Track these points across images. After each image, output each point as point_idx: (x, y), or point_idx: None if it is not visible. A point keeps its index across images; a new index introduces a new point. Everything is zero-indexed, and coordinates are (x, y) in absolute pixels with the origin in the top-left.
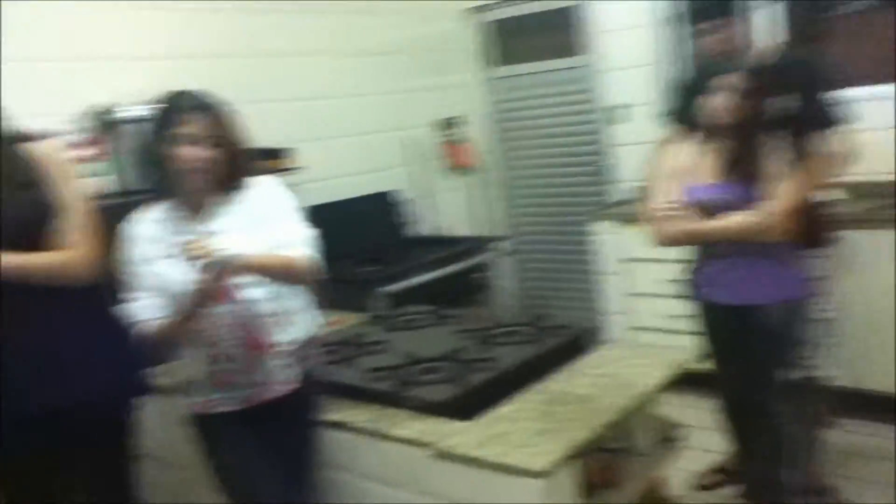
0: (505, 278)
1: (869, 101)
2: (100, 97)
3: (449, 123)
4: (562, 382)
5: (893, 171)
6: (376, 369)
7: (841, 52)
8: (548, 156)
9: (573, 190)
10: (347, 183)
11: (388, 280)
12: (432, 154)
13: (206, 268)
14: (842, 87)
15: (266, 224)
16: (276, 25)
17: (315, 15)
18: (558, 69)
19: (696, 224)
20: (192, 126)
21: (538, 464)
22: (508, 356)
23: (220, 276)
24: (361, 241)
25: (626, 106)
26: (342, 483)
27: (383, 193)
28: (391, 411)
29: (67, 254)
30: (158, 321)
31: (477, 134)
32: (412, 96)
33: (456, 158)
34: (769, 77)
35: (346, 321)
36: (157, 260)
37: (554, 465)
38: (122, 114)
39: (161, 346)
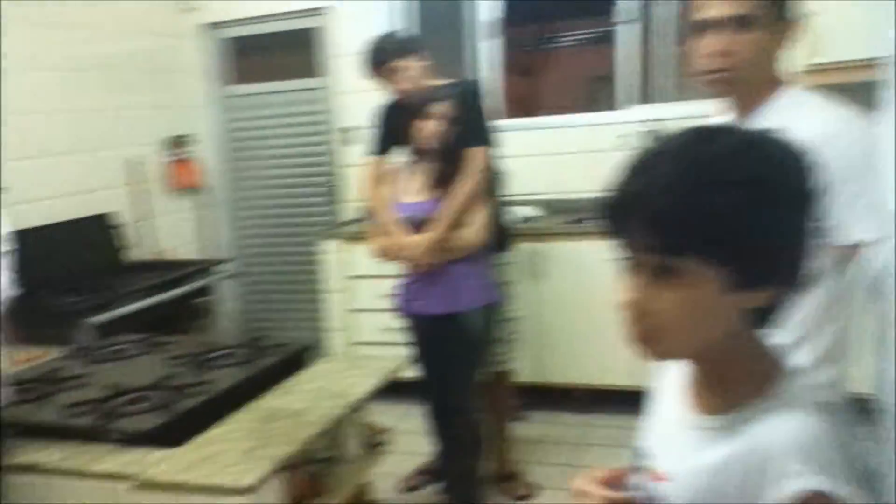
0: (229, 301)
1: (565, 127)
2: None
3: (176, 142)
4: (276, 399)
5: (581, 190)
6: (74, 404)
7: (550, 84)
8: (279, 176)
9: (303, 210)
10: (60, 205)
11: (97, 309)
12: (156, 174)
13: None
14: (500, 114)
15: None
16: None
17: (23, 25)
18: (294, 90)
19: (395, 239)
20: None
21: (243, 481)
22: (221, 379)
23: None
24: (74, 267)
25: (357, 128)
26: None
27: (101, 216)
28: (90, 447)
29: None
30: None
31: (206, 153)
32: (135, 113)
33: (181, 179)
34: (455, 105)
35: (44, 356)
36: None
37: (259, 481)
38: None
39: None
